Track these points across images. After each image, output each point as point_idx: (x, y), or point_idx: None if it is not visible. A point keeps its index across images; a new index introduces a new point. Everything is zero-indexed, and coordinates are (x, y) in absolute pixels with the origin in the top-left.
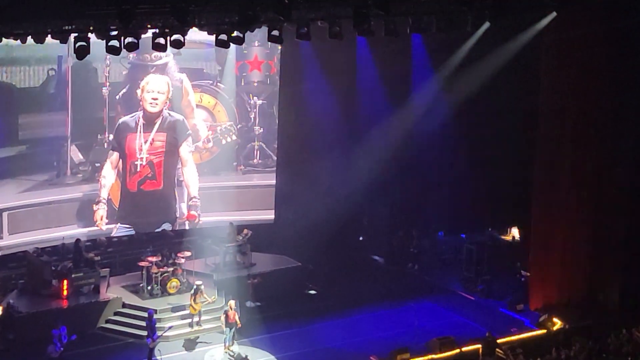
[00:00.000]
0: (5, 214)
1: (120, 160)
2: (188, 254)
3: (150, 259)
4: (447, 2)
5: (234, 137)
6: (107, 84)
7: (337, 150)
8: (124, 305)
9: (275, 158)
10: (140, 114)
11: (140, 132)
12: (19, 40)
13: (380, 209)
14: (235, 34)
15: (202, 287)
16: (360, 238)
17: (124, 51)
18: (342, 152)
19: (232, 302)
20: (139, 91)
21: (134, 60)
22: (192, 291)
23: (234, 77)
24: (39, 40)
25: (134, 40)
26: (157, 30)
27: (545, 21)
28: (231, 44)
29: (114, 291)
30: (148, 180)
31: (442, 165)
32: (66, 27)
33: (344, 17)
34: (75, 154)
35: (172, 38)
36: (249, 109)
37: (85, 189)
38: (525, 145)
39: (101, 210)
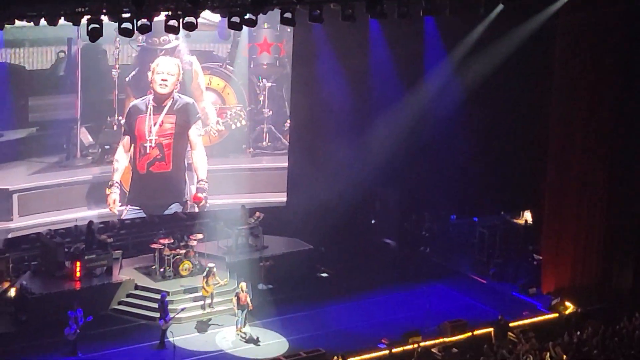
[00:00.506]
0: (15, 196)
1: (131, 143)
2: (200, 236)
3: (162, 241)
4: None
5: (243, 122)
6: (117, 66)
7: (349, 133)
8: (137, 287)
9: (284, 141)
10: (150, 97)
11: (150, 115)
12: (31, 22)
13: (392, 192)
14: (247, 16)
15: (215, 269)
16: (372, 221)
17: (134, 34)
18: (354, 135)
19: (243, 285)
20: (149, 73)
21: (143, 43)
22: (205, 273)
23: (243, 60)
24: (52, 22)
25: (146, 23)
26: (170, 13)
27: (559, 3)
28: (244, 26)
29: (126, 273)
30: (157, 162)
31: (454, 147)
32: (79, 9)
33: None
34: (85, 137)
35: (185, 20)
36: (258, 92)
37: (94, 172)
38: (538, 127)
39: (114, 194)
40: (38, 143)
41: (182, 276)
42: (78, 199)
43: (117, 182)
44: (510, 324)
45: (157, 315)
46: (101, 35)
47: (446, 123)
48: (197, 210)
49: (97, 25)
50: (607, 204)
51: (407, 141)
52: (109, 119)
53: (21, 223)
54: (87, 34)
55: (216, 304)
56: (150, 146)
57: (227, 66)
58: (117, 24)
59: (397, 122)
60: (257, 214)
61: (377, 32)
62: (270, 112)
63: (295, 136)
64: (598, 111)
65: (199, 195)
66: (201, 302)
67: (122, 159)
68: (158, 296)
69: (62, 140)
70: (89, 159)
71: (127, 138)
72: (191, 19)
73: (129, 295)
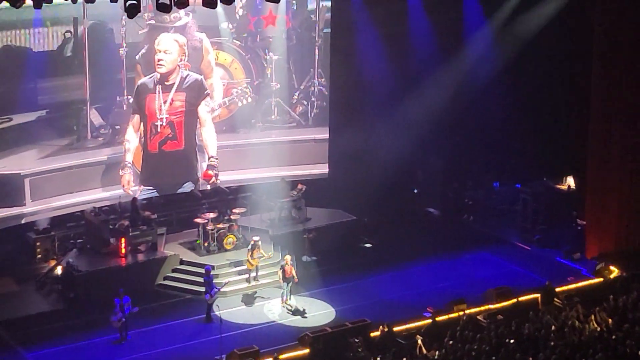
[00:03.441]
0: (27, 180)
1: (141, 122)
2: (243, 210)
3: (206, 215)
4: None
5: (250, 100)
6: (124, 44)
7: (389, 103)
8: (182, 262)
9: (293, 114)
10: (157, 75)
11: (159, 93)
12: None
13: (434, 161)
14: None
15: (260, 242)
16: (415, 190)
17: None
18: (394, 104)
19: (288, 257)
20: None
21: (152, 21)
22: (250, 247)
23: (249, 33)
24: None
25: None
26: None
27: None
28: None
29: (171, 248)
30: (169, 141)
31: (495, 114)
32: None
33: None
34: (95, 117)
35: None
36: (266, 65)
37: (106, 152)
38: (579, 92)
39: (127, 175)
40: (48, 126)
41: (226, 250)
42: (91, 181)
43: (129, 163)
44: (556, 290)
45: (203, 289)
46: (139, 11)
47: (487, 90)
48: (209, 188)
49: (134, 2)
50: None
51: (448, 109)
52: (118, 98)
53: (34, 207)
54: (125, 10)
55: (261, 277)
56: (161, 125)
57: (234, 40)
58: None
59: (437, 90)
60: (300, 186)
61: (415, 0)
62: (278, 86)
63: (336, 107)
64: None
65: (209, 172)
66: (246, 275)
67: (132, 138)
68: (203, 270)
69: (72, 122)
70: (100, 140)
71: (136, 117)
72: None
73: (174, 271)
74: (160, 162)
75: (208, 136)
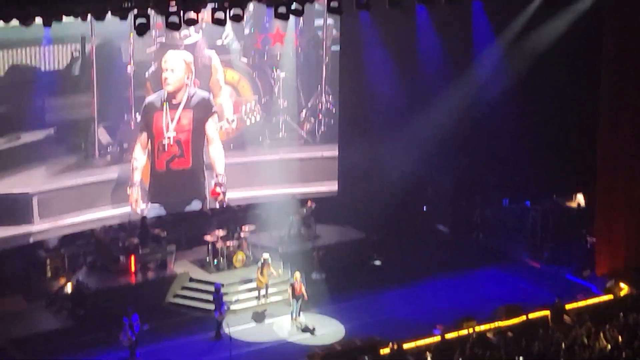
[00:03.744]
0: (35, 199)
1: (149, 140)
2: (253, 227)
3: (215, 233)
4: None
5: (258, 118)
6: (132, 62)
7: (399, 120)
8: (191, 280)
9: (300, 131)
10: (164, 92)
11: (166, 111)
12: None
13: (443, 178)
14: (294, 6)
15: (270, 260)
16: (424, 208)
17: (180, 27)
18: (404, 122)
19: (297, 275)
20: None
21: (163, 39)
22: (260, 264)
23: (257, 51)
24: (100, 17)
25: (193, 16)
26: (216, 5)
27: None
28: (291, 15)
29: (181, 266)
30: (176, 159)
31: (504, 131)
32: (126, 4)
33: None
34: (102, 135)
35: (232, 12)
36: (273, 83)
37: (114, 170)
38: (588, 109)
39: (135, 193)
40: (56, 144)
41: (236, 268)
42: (98, 199)
43: (137, 181)
44: (566, 307)
45: (213, 307)
46: (148, 29)
47: (496, 107)
48: (218, 206)
49: (144, 20)
50: None
51: (457, 126)
52: (126, 116)
53: (42, 226)
54: (135, 29)
55: (271, 294)
56: (168, 143)
57: (242, 58)
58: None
59: (446, 107)
60: (309, 203)
61: (424, 17)
62: (286, 103)
63: (345, 125)
64: None
65: (217, 190)
66: (256, 293)
67: (140, 157)
68: (213, 288)
69: (80, 140)
70: (107, 158)
71: (144, 135)
72: (238, 11)
73: (184, 288)
74: (168, 180)
75: (216, 154)
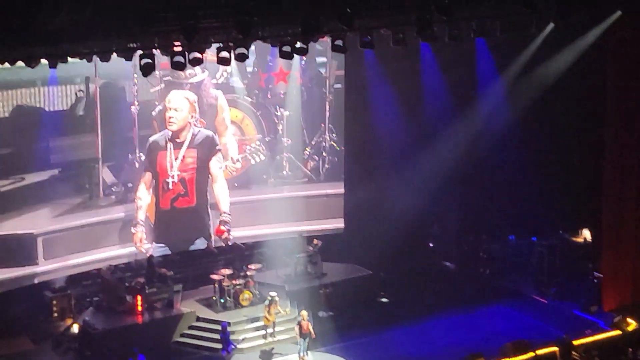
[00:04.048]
0: (39, 240)
1: (153, 179)
2: (259, 265)
3: (222, 272)
4: (511, 5)
5: (262, 157)
6: (136, 102)
7: (404, 157)
8: (198, 319)
9: (304, 169)
10: (168, 132)
11: (170, 150)
12: (84, 59)
13: (449, 215)
14: (298, 44)
15: (277, 298)
16: (430, 244)
17: (185, 67)
18: (409, 159)
19: (304, 313)
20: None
21: (169, 78)
22: (267, 302)
23: (260, 90)
24: (104, 58)
25: (198, 56)
26: (221, 44)
27: (611, 19)
28: (295, 54)
29: (187, 305)
30: (181, 198)
31: (510, 168)
32: (131, 45)
33: (406, 23)
34: (107, 175)
35: (236, 51)
36: (277, 121)
37: (118, 210)
38: (593, 145)
39: (139, 233)
40: (60, 184)
41: (242, 306)
42: (103, 239)
43: (141, 220)
44: (574, 343)
45: (220, 346)
46: (154, 69)
47: (501, 143)
48: (222, 244)
49: (149, 60)
50: None
51: (463, 163)
52: (130, 156)
53: (47, 267)
54: (140, 69)
55: (278, 333)
56: (172, 182)
57: (245, 97)
58: (169, 58)
59: (451, 144)
60: (315, 241)
61: (428, 55)
62: (289, 142)
63: (350, 162)
64: None
65: (222, 227)
66: (263, 332)
67: (144, 196)
68: (219, 327)
69: (84, 181)
70: (112, 198)
71: (148, 174)
72: (242, 50)
73: (191, 328)
74: (172, 218)
75: (220, 192)
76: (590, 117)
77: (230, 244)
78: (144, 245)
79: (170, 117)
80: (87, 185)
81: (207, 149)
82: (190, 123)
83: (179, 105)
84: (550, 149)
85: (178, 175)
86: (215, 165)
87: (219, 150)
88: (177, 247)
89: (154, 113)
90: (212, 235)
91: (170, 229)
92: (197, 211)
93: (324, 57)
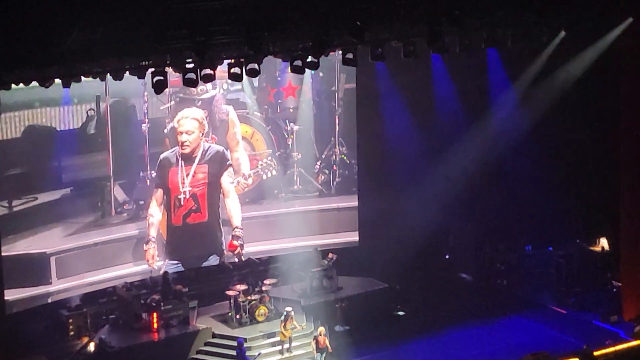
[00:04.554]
0: (52, 259)
1: (164, 195)
2: (274, 280)
3: (237, 287)
4: (521, 14)
5: (274, 172)
6: (147, 120)
7: (418, 169)
8: (214, 336)
9: (315, 183)
10: (178, 149)
11: (181, 167)
12: (97, 78)
13: (465, 226)
14: (309, 59)
15: (293, 313)
16: (447, 256)
17: (198, 83)
18: (423, 170)
19: (322, 329)
20: (172, 123)
21: (181, 94)
22: (282, 317)
23: (270, 105)
24: (117, 77)
25: (210, 72)
26: (233, 61)
27: (622, 26)
28: (306, 69)
29: (203, 322)
30: (193, 213)
31: (525, 178)
32: (143, 63)
33: (417, 35)
34: (119, 193)
35: (248, 67)
36: (287, 136)
37: (131, 228)
38: (609, 152)
39: (152, 250)
40: (72, 203)
41: (258, 322)
42: (116, 257)
43: (153, 237)
44: (594, 354)
45: None
46: (166, 87)
47: (515, 153)
48: (236, 260)
49: (161, 78)
50: None
51: (477, 173)
52: (141, 174)
53: (60, 286)
54: (152, 87)
55: (294, 348)
56: (184, 198)
57: (255, 112)
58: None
59: (465, 155)
60: (330, 255)
61: (440, 66)
62: (300, 156)
63: (364, 175)
64: None
65: (234, 242)
66: (279, 347)
67: (156, 213)
68: (235, 343)
69: (96, 199)
70: (124, 216)
71: (159, 191)
72: (254, 66)
73: (207, 344)
74: (185, 235)
75: (232, 207)
76: (606, 124)
77: (243, 259)
78: (156, 262)
79: (183, 142)
80: (99, 204)
81: (218, 164)
82: (201, 139)
83: (190, 128)
84: (566, 157)
85: (189, 190)
86: (227, 180)
87: (230, 165)
88: (190, 263)
89: (165, 131)
90: (225, 251)
91: (183, 245)
92: (209, 227)
93: (334, 71)
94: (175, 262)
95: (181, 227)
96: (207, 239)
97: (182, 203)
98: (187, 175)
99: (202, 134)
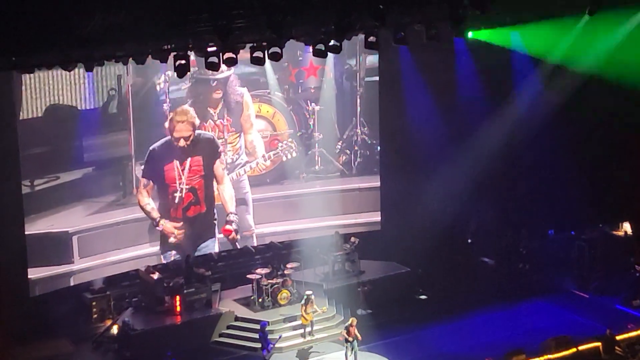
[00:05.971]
0: (75, 238)
1: (159, 190)
2: (297, 264)
3: (259, 271)
4: None
5: (294, 154)
6: (167, 100)
7: (440, 152)
8: (237, 319)
9: (336, 164)
10: (169, 139)
11: (177, 163)
12: (119, 62)
13: (487, 210)
14: (332, 42)
15: (313, 296)
16: (469, 240)
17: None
18: (445, 154)
19: (353, 320)
20: (166, 123)
21: (196, 75)
22: (303, 301)
23: (291, 85)
24: (140, 61)
25: (232, 56)
26: (255, 44)
27: None
28: (329, 53)
29: (225, 305)
30: (192, 207)
31: (548, 162)
32: (165, 47)
33: (440, 19)
34: (140, 173)
35: (270, 51)
36: (308, 116)
37: None
38: (633, 136)
39: (168, 225)
40: (94, 183)
41: (280, 305)
42: (137, 237)
43: (158, 217)
44: (617, 338)
45: (259, 345)
46: (189, 70)
47: (539, 136)
48: (238, 246)
49: (183, 61)
50: None
51: (500, 158)
52: None
53: (82, 265)
54: (175, 70)
55: (316, 332)
56: (184, 192)
57: (276, 92)
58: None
59: (488, 138)
60: (353, 239)
61: (462, 48)
62: (321, 136)
63: (386, 158)
64: None
65: (227, 227)
66: (301, 331)
67: (150, 201)
68: (258, 326)
69: (117, 178)
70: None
71: (150, 183)
72: (276, 49)
73: (229, 327)
74: (183, 227)
75: (226, 193)
76: (630, 108)
77: (238, 244)
78: (174, 236)
79: (182, 143)
80: (121, 183)
81: (211, 152)
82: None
83: (186, 133)
84: (589, 142)
85: (187, 185)
86: (219, 167)
87: (221, 152)
88: (188, 252)
89: (166, 124)
90: (217, 235)
91: (184, 235)
92: (207, 215)
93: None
94: (174, 252)
95: (181, 219)
96: (204, 227)
97: (183, 197)
98: (183, 170)
99: (194, 129)
